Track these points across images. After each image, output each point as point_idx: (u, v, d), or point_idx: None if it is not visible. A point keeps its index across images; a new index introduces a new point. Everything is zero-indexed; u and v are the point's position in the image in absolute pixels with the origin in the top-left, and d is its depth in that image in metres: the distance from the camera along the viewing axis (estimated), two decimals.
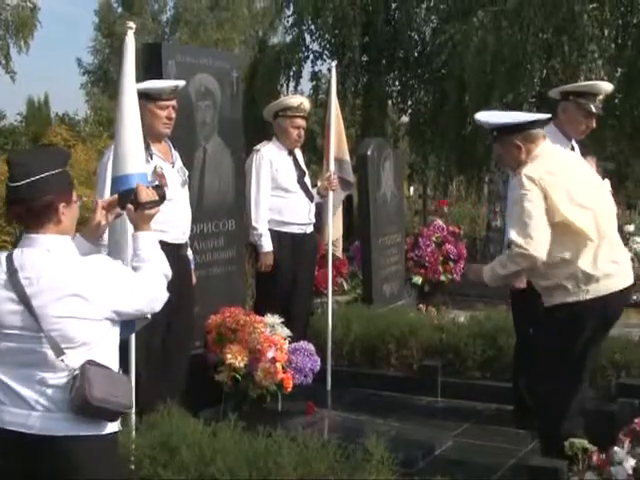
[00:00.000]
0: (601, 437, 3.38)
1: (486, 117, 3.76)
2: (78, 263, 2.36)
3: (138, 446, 3.27)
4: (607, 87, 4.47)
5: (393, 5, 14.42)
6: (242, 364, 4.42)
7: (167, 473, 3.13)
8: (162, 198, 2.72)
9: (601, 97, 4.35)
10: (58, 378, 2.29)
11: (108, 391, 2.28)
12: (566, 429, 3.53)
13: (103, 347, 2.37)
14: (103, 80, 32.62)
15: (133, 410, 3.51)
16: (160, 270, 2.56)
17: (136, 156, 3.28)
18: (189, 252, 4.34)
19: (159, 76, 4.34)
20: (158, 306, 2.54)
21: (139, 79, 4.03)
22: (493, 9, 11.08)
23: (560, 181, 3.51)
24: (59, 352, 2.26)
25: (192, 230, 4.40)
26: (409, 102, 15.20)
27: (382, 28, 13.96)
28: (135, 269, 2.51)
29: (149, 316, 3.15)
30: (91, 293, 2.30)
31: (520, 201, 3.46)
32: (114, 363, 2.42)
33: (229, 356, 4.41)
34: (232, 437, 3.34)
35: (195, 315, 4.45)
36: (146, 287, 2.46)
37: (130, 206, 2.63)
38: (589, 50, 10.38)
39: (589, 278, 3.48)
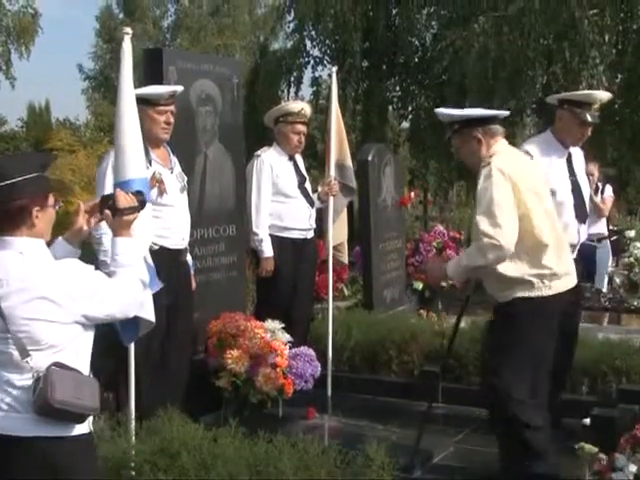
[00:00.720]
0: (602, 443, 3.38)
1: (448, 111, 3.83)
2: (49, 266, 2.38)
3: (138, 452, 3.27)
4: (603, 96, 4.47)
5: (394, 11, 14.43)
6: (243, 369, 4.42)
7: (167, 478, 3.12)
8: (142, 204, 2.72)
9: (596, 106, 4.34)
10: (24, 379, 2.32)
11: (71, 394, 2.29)
12: (528, 418, 3.51)
13: (72, 350, 2.38)
14: (104, 86, 32.66)
15: (133, 415, 3.53)
16: (136, 276, 2.56)
17: (136, 161, 3.29)
18: (188, 257, 4.34)
19: (160, 82, 4.35)
20: (132, 312, 2.55)
21: (140, 85, 4.04)
22: (494, 15, 11.10)
23: (524, 177, 3.57)
24: (24, 354, 2.29)
25: (193, 235, 4.40)
26: (410, 108, 15.21)
27: (383, 34, 13.98)
28: (111, 274, 2.52)
29: (154, 321, 3.17)
30: (60, 297, 2.33)
31: (490, 191, 3.47)
32: (84, 366, 2.43)
33: (230, 361, 4.41)
34: (232, 442, 3.33)
35: (196, 320, 4.45)
36: (119, 293, 2.47)
37: (107, 212, 2.64)
38: (590, 56, 10.40)
39: (553, 274, 3.54)
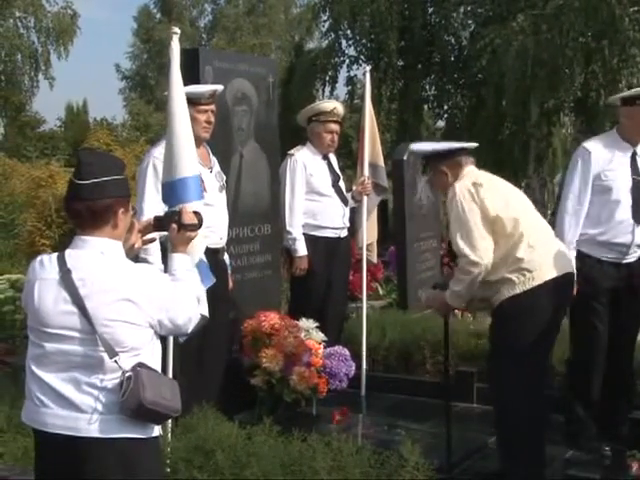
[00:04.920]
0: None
1: (418, 146, 4.14)
2: (131, 268, 2.38)
3: (174, 449, 3.30)
4: None
5: (430, 9, 14.37)
6: (277, 368, 4.42)
7: (202, 476, 3.14)
8: (200, 223, 2.78)
9: None
10: (109, 380, 2.29)
11: (160, 394, 2.29)
12: (518, 434, 3.55)
13: (149, 353, 2.38)
14: (141, 85, 33.01)
15: None
16: (194, 291, 2.56)
17: (190, 159, 3.33)
18: (225, 256, 4.36)
19: (197, 82, 4.37)
20: (191, 327, 2.53)
21: None
22: (532, 13, 11.00)
23: (488, 186, 3.66)
24: (112, 353, 2.26)
25: (228, 234, 4.42)
26: (445, 107, 15.15)
27: (419, 32, 13.93)
28: None
29: (207, 315, 3.22)
30: (142, 299, 2.32)
31: (458, 212, 3.61)
32: (158, 370, 2.43)
33: (264, 360, 4.42)
34: (267, 441, 3.35)
35: (230, 319, 4.47)
36: (185, 306, 2.47)
37: (174, 226, 2.68)
38: (630, 54, 10.25)
39: (530, 264, 3.54)
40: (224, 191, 4.32)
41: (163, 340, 3.48)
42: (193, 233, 2.70)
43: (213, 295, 4.05)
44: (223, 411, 3.69)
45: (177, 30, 3.43)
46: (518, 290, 3.54)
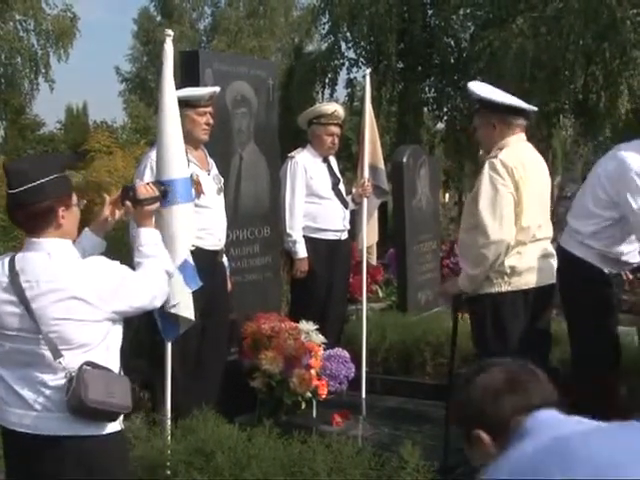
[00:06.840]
0: None
1: (477, 87, 3.73)
2: (78, 266, 2.39)
3: (174, 451, 3.29)
4: None
5: (430, 12, 14.38)
6: (277, 370, 4.42)
7: (202, 478, 3.14)
8: (163, 194, 2.77)
9: None
10: (57, 379, 2.34)
11: (105, 393, 2.31)
12: None
13: (103, 348, 2.40)
14: (141, 88, 32.98)
15: (169, 415, 3.55)
16: (161, 266, 2.58)
17: (178, 161, 3.33)
18: (224, 259, 4.36)
19: (197, 84, 4.38)
20: (159, 302, 2.58)
21: (176, 87, 4.07)
22: (532, 15, 11.00)
23: (527, 175, 3.52)
24: (57, 354, 2.31)
25: (228, 237, 4.42)
26: (445, 109, 15.16)
27: (418, 35, 13.95)
28: (136, 265, 2.54)
29: (194, 319, 3.23)
30: (91, 296, 2.34)
31: (497, 185, 3.47)
32: (114, 362, 2.45)
33: (264, 362, 4.42)
34: (267, 443, 3.34)
35: (230, 321, 4.47)
36: (146, 285, 2.49)
37: (128, 203, 2.69)
38: (631, 57, 10.25)
39: (512, 270, 3.50)
40: (222, 193, 4.32)
41: (162, 340, 3.51)
42: (153, 206, 2.69)
43: (212, 297, 4.07)
44: (223, 413, 3.68)
45: (170, 32, 3.43)
46: (492, 290, 3.53)
